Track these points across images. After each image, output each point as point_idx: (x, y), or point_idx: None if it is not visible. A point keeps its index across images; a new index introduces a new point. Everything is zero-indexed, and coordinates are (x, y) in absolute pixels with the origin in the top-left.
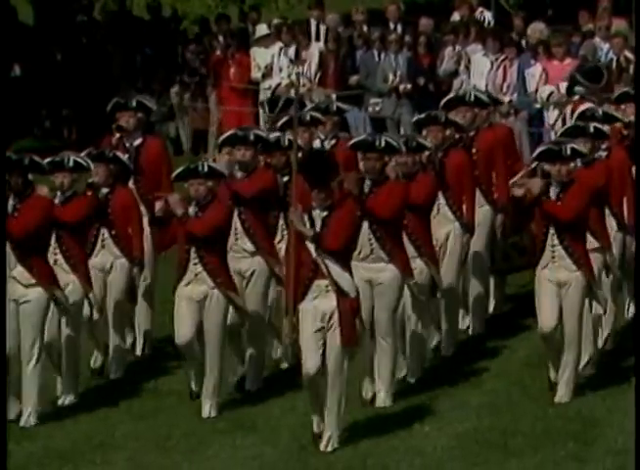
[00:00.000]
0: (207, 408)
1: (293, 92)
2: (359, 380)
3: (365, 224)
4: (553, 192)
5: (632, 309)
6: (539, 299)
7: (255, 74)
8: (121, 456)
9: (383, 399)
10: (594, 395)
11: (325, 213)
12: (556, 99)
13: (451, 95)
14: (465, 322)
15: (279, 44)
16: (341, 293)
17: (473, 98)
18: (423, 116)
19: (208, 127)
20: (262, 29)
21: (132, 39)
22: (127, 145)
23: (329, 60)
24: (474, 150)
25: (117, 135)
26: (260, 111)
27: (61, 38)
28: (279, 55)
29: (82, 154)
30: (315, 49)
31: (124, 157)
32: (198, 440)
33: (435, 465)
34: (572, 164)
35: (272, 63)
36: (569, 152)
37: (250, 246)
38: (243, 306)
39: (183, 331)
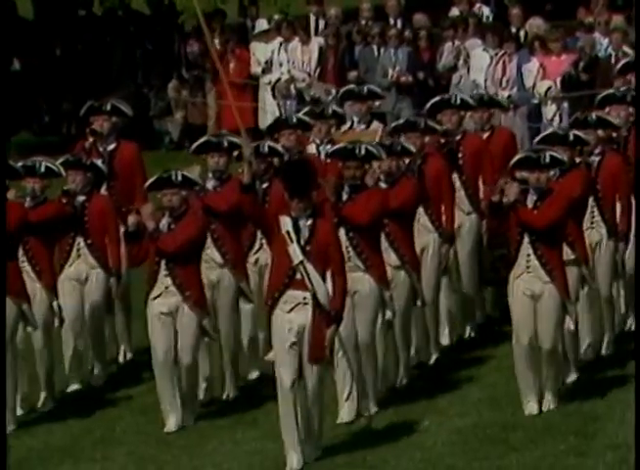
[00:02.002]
0: (173, 422)
1: (292, 87)
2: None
3: (342, 232)
4: (530, 200)
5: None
6: (514, 315)
7: (255, 69)
8: (122, 451)
9: (370, 407)
10: (594, 389)
11: (310, 222)
12: (554, 94)
13: (436, 98)
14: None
15: (279, 39)
16: (317, 305)
17: (458, 101)
18: (401, 122)
19: (207, 122)
20: (262, 24)
21: (132, 34)
22: (101, 149)
23: (328, 55)
24: (460, 154)
25: (91, 139)
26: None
27: (60, 33)
28: (278, 50)
29: (59, 160)
30: (315, 44)
31: (99, 162)
32: (198, 434)
33: (436, 460)
34: (552, 172)
35: (272, 58)
36: (547, 159)
37: (217, 256)
38: (206, 325)
39: (159, 354)
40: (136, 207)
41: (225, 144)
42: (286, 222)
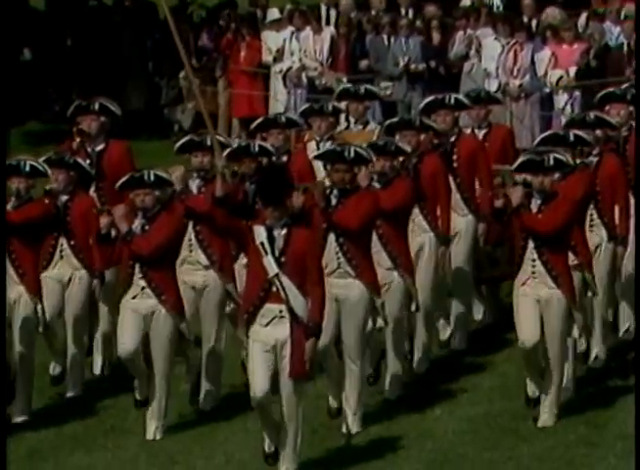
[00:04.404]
0: (152, 430)
1: (304, 76)
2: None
3: (332, 237)
4: (534, 204)
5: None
6: (518, 314)
7: (266, 58)
8: (133, 441)
9: (350, 424)
10: (606, 378)
11: (285, 231)
12: (565, 83)
13: (430, 98)
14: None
15: (290, 28)
16: (294, 319)
17: (453, 101)
18: (396, 119)
19: (217, 111)
20: (274, 13)
21: (142, 24)
22: (89, 150)
23: (340, 44)
24: (455, 156)
25: (78, 139)
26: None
27: (71, 23)
28: (290, 39)
29: (41, 159)
30: (327, 33)
31: (85, 163)
32: (209, 424)
33: (447, 449)
34: (557, 175)
35: (283, 46)
36: (552, 162)
37: (203, 258)
38: (184, 329)
39: (126, 343)
40: (108, 207)
41: (209, 143)
42: (260, 233)
